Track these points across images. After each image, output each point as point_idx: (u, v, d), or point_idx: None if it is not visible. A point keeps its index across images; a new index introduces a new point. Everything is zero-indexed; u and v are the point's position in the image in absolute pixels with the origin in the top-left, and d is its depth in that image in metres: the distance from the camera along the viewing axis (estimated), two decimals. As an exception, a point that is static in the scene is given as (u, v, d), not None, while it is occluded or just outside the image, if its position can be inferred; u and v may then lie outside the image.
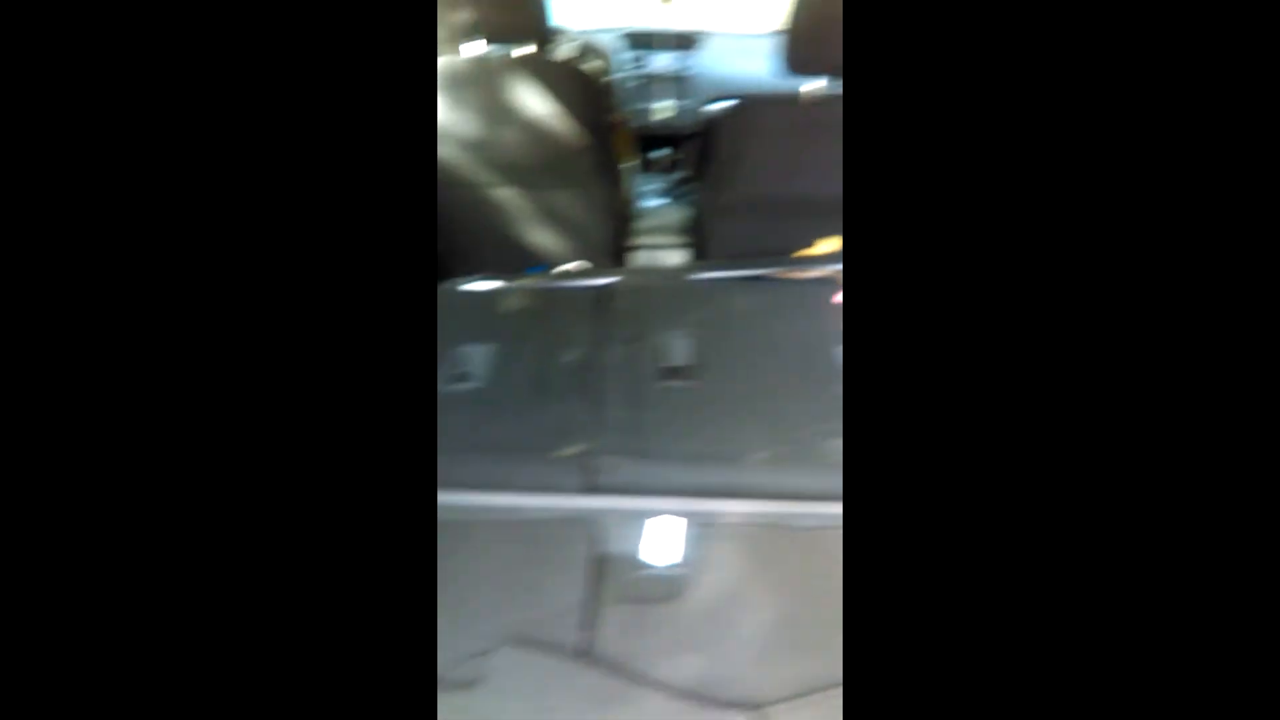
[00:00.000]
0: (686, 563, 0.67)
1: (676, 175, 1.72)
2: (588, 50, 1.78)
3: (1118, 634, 0.38)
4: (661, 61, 1.90)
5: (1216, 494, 0.38)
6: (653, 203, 1.65)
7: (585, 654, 0.60)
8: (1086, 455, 0.39)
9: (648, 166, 1.81)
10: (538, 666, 0.58)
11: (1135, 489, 0.39)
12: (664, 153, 1.78)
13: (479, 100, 1.23)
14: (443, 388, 0.87)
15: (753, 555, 0.68)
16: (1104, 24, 0.39)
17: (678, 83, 1.90)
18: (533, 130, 1.21)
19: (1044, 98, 0.40)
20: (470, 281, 1.09)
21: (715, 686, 0.57)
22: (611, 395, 0.86)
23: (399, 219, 0.42)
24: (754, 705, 0.55)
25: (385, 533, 0.41)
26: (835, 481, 0.72)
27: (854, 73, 0.43)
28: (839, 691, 0.56)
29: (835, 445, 0.78)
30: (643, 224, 1.42)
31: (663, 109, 1.80)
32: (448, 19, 1.23)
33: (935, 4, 0.41)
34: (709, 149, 1.39)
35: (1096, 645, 0.38)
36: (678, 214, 1.45)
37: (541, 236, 1.27)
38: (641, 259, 1.34)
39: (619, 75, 1.88)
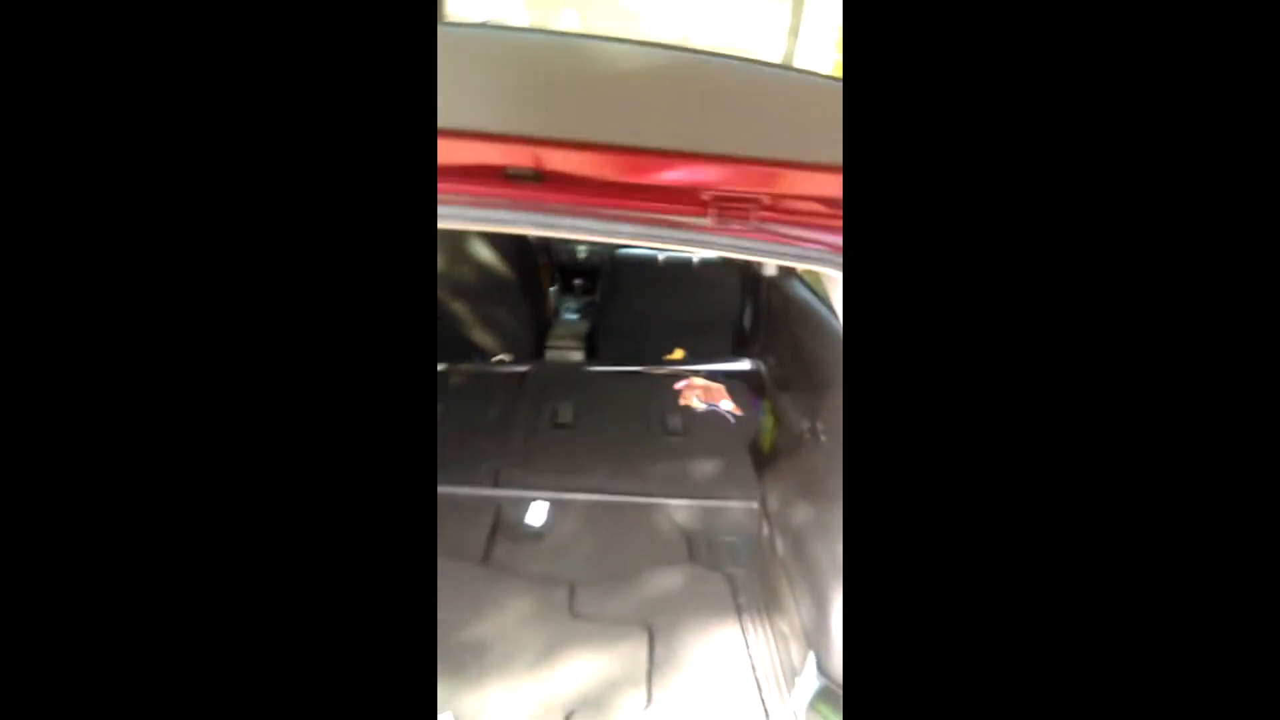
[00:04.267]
0: (546, 525, 1.19)
1: (585, 299, 2.30)
2: None
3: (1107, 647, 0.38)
4: None
5: (1189, 549, 0.37)
6: (569, 317, 2.21)
7: (485, 561, 1.10)
8: (1085, 480, 0.40)
9: (569, 291, 2.39)
10: (456, 566, 1.08)
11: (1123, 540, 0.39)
12: (579, 282, 2.37)
13: (445, 247, 1.79)
14: None
15: (586, 522, 1.20)
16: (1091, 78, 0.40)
17: None
18: (480, 266, 1.77)
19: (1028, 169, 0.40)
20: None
21: (555, 578, 1.08)
22: (517, 436, 1.39)
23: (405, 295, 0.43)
24: (571, 583, 1.06)
25: (389, 534, 0.42)
26: (647, 486, 1.25)
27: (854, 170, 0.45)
28: (630, 580, 1.07)
29: (653, 469, 1.31)
30: (557, 331, 1.98)
31: (581, 250, 2.41)
32: None
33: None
34: (605, 283, 1.99)
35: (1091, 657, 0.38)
36: (583, 326, 2.01)
37: (481, 337, 1.80)
38: (553, 356, 1.89)
39: None
